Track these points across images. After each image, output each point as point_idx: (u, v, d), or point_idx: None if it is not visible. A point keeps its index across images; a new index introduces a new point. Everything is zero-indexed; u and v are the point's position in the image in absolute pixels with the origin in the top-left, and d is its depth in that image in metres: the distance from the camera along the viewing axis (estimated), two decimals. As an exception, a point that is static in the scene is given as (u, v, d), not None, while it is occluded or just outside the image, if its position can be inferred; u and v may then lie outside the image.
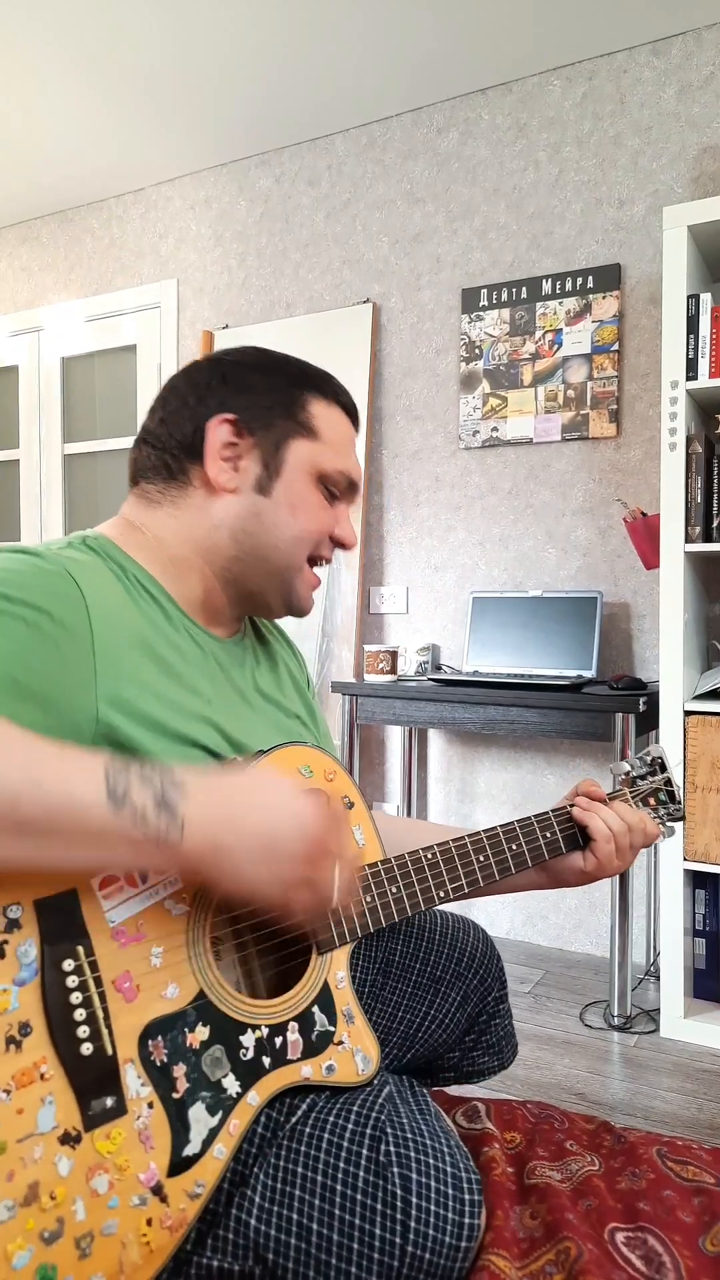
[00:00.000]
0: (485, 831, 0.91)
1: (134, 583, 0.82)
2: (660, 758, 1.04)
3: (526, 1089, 1.80)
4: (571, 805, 0.97)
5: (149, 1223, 0.65)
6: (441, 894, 0.88)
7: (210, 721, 0.82)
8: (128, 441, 3.47)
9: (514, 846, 0.92)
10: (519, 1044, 2.00)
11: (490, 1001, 1.08)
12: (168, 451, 0.88)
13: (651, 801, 1.02)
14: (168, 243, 3.32)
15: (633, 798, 1.01)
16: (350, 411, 0.96)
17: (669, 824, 1.03)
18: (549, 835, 0.94)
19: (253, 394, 0.88)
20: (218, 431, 0.86)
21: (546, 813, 0.95)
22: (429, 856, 0.88)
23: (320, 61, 2.57)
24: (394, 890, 0.85)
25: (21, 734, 0.63)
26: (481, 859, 0.90)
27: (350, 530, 0.94)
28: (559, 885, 0.98)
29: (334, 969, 0.82)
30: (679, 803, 1.03)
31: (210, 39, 2.47)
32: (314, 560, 0.92)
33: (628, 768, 1.03)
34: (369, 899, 0.84)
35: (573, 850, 0.96)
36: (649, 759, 1.04)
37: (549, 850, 0.94)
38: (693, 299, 2.01)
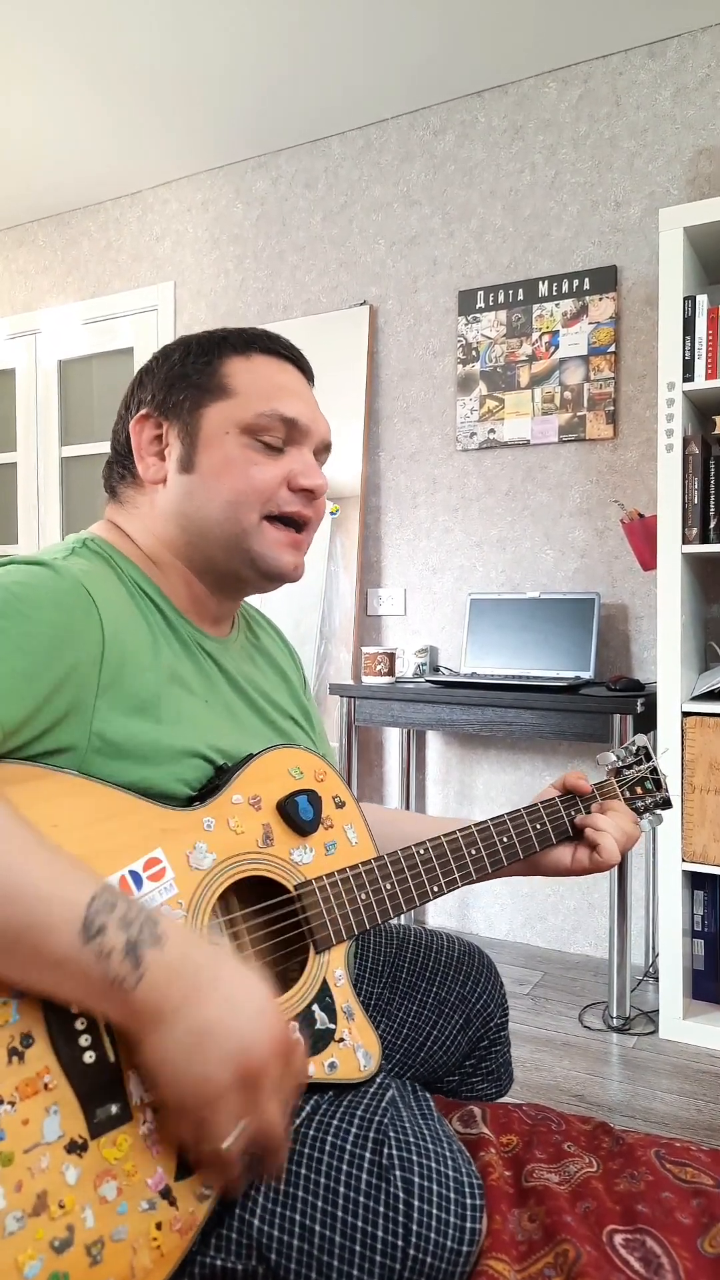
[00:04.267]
0: (476, 825, 0.92)
1: (134, 585, 0.83)
2: (645, 746, 1.05)
3: (525, 1091, 1.80)
4: (566, 802, 0.97)
5: (159, 1226, 0.64)
6: (435, 889, 0.88)
7: (208, 726, 0.82)
8: (125, 444, 3.48)
9: (504, 839, 0.93)
10: (520, 1045, 2.00)
11: (492, 1028, 1.08)
12: (118, 463, 0.91)
13: (639, 790, 1.03)
14: (165, 245, 3.32)
15: (620, 787, 1.02)
16: (283, 354, 0.89)
17: (657, 812, 1.03)
18: (539, 827, 0.95)
19: (161, 382, 0.88)
20: (138, 430, 0.88)
21: (536, 805, 0.96)
22: (421, 853, 0.88)
23: (317, 65, 2.57)
24: (388, 887, 0.85)
25: (22, 836, 0.61)
26: (473, 852, 0.91)
27: (310, 472, 0.86)
28: (537, 874, 0.99)
29: (332, 967, 0.82)
30: (665, 790, 1.04)
31: (208, 42, 2.48)
32: (277, 518, 0.86)
33: (614, 758, 1.04)
34: (363, 896, 0.84)
35: (563, 840, 0.96)
36: (634, 748, 1.05)
37: (539, 841, 0.95)
38: (689, 301, 2.01)
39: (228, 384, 0.86)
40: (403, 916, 2.77)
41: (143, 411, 0.88)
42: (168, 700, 0.78)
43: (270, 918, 0.81)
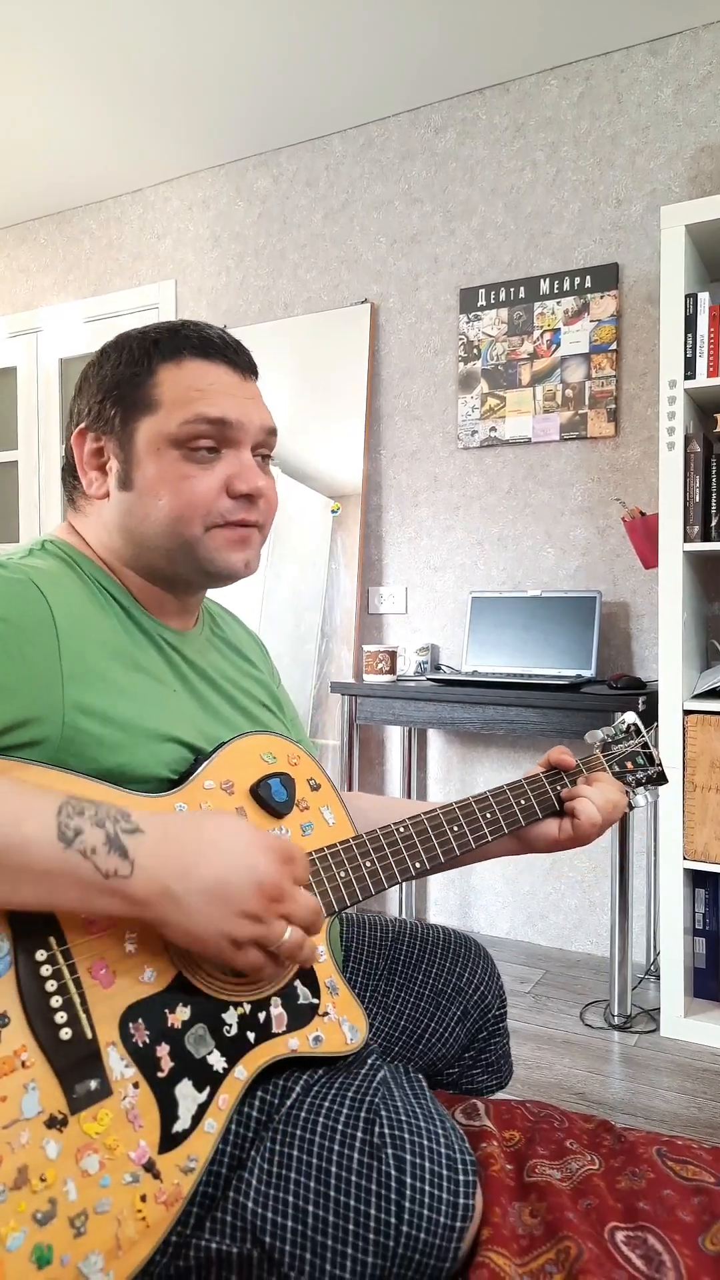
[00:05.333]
0: (457, 802, 0.92)
1: (94, 583, 0.84)
2: (635, 723, 1.04)
3: (527, 1089, 1.80)
4: (551, 777, 0.97)
5: (143, 1199, 0.65)
6: (417, 865, 0.88)
7: (181, 715, 0.83)
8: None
9: (488, 815, 0.92)
10: (521, 1043, 2.00)
11: (490, 1020, 1.08)
12: (69, 474, 0.91)
13: (629, 765, 1.02)
14: (166, 243, 3.32)
15: (607, 762, 1.01)
16: (217, 354, 0.86)
17: (650, 787, 1.02)
18: (523, 803, 0.94)
19: (95, 392, 0.87)
20: (79, 444, 0.88)
21: (520, 781, 0.95)
22: (401, 830, 0.88)
23: (318, 62, 2.57)
24: (368, 864, 0.86)
25: None
26: (455, 829, 0.90)
27: (247, 474, 0.84)
28: (529, 851, 0.98)
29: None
30: (658, 764, 1.03)
31: (208, 40, 2.47)
32: (222, 524, 0.85)
33: (603, 735, 1.03)
34: (342, 874, 0.84)
35: (548, 816, 0.95)
36: (624, 725, 1.04)
37: (524, 816, 0.94)
38: (690, 298, 2.01)
39: (155, 395, 0.84)
40: (401, 912, 2.77)
41: (81, 425, 0.88)
42: (136, 689, 0.79)
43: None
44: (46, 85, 2.70)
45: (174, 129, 2.94)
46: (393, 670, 2.54)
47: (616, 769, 1.01)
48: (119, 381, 0.85)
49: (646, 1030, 2.06)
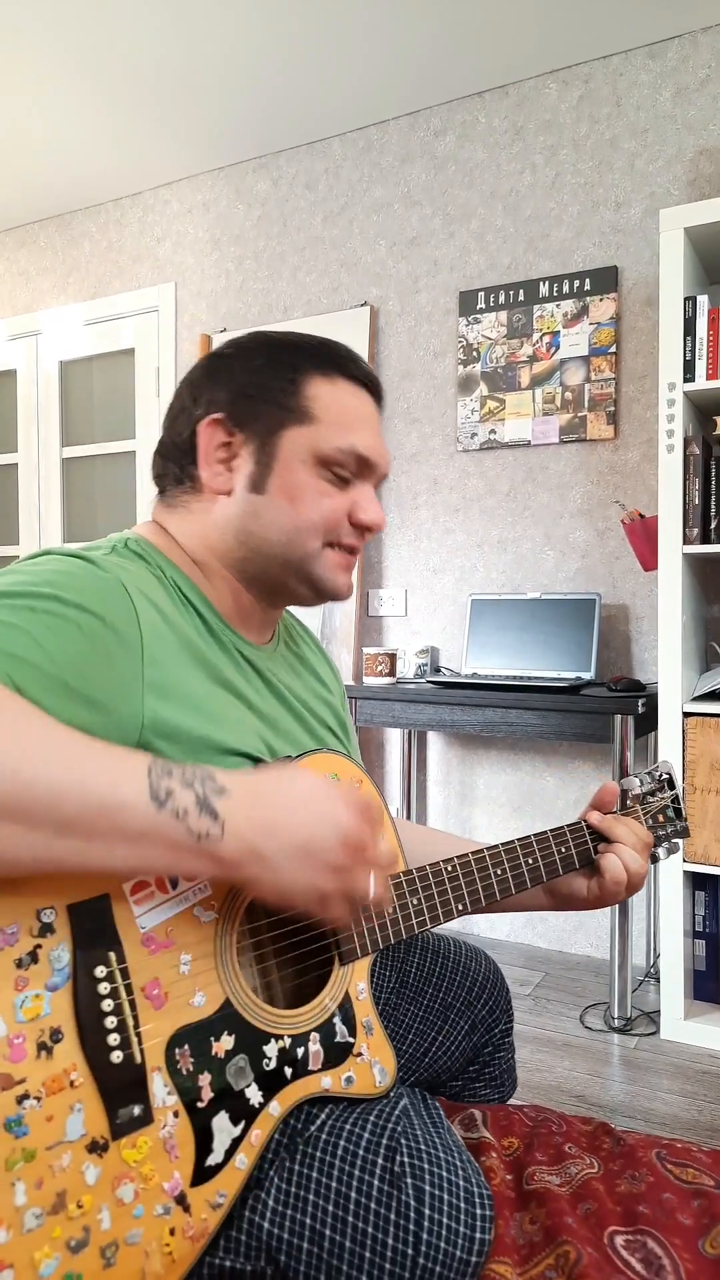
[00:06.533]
0: (503, 845, 0.92)
1: (174, 589, 0.82)
2: (669, 774, 1.04)
3: (527, 1091, 1.80)
4: (589, 829, 0.97)
5: (172, 1232, 0.64)
6: (460, 906, 0.88)
7: (252, 730, 0.82)
8: (126, 445, 3.48)
9: (530, 861, 0.92)
10: (521, 1045, 2.00)
11: (496, 1034, 1.08)
12: (172, 459, 0.88)
13: (660, 819, 1.02)
14: (165, 246, 3.32)
15: (644, 815, 1.01)
16: (364, 382, 0.88)
17: (674, 840, 1.03)
18: (564, 850, 0.94)
19: (240, 387, 0.85)
20: (208, 434, 0.84)
21: (562, 828, 0.95)
22: (449, 869, 0.88)
23: (318, 65, 2.57)
24: (414, 902, 0.85)
25: (67, 732, 0.63)
26: (499, 872, 0.90)
27: (373, 510, 0.87)
28: (565, 909, 0.98)
29: (355, 980, 0.81)
30: (684, 820, 1.03)
31: (208, 42, 2.48)
32: (334, 546, 0.87)
33: (638, 784, 1.02)
34: (390, 910, 0.84)
35: (586, 865, 0.96)
36: (658, 775, 1.03)
37: (564, 865, 0.94)
38: (689, 301, 2.01)
39: (309, 408, 0.84)
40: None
41: (215, 415, 0.84)
42: (211, 703, 0.78)
43: (298, 926, 0.81)
44: (46, 85, 2.70)
45: (174, 130, 2.95)
46: (392, 672, 2.54)
47: (650, 823, 1.01)
48: (268, 383, 0.84)
49: (646, 1033, 2.06)
